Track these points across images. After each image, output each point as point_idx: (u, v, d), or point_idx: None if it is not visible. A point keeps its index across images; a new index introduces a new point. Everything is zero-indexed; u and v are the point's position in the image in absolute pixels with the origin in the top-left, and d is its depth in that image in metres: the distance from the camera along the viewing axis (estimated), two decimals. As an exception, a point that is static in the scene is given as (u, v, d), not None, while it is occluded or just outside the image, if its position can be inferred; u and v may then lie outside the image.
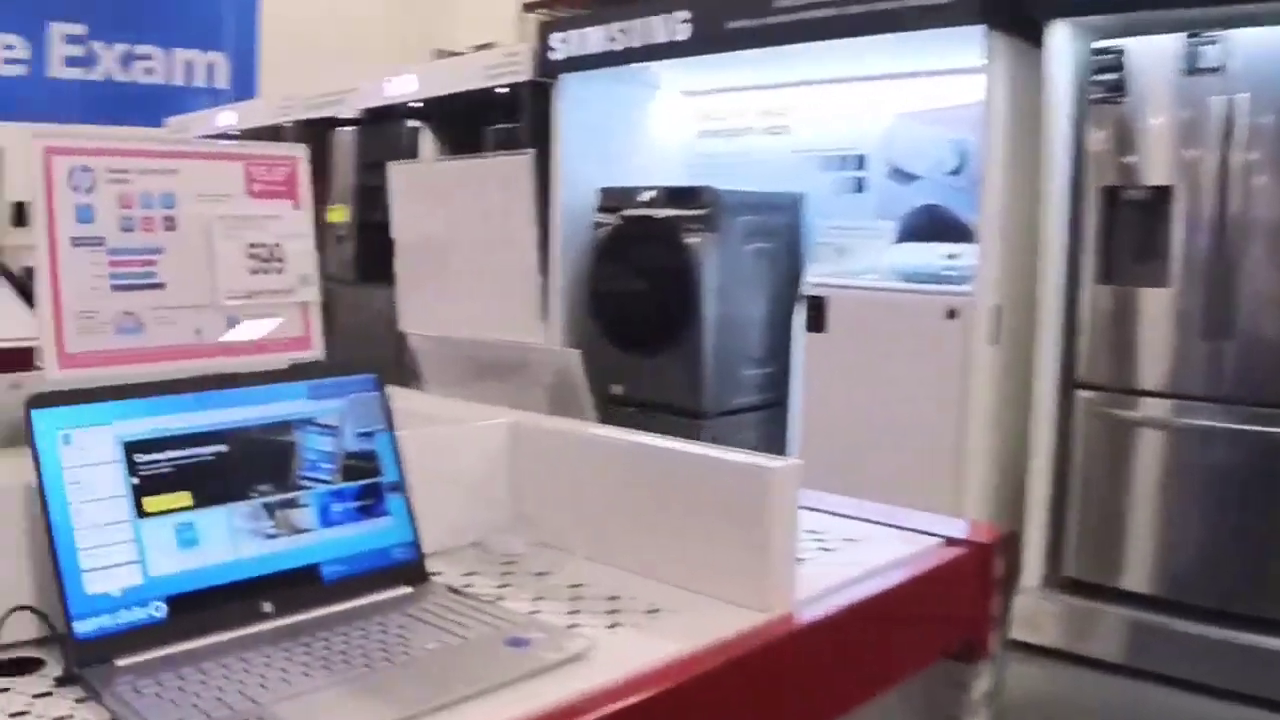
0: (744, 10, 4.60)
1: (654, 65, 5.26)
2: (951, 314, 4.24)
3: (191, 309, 1.44)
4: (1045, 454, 3.93)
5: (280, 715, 1.08)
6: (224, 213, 1.45)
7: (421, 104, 6.30)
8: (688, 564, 1.47)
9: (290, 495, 1.39)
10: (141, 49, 9.27)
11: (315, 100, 6.94)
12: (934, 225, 4.83)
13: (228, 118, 7.52)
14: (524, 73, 5.55)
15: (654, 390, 5.26)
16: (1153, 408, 3.76)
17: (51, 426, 1.25)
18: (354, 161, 6.73)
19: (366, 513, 1.44)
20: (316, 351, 1.54)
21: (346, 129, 6.79)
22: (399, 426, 1.50)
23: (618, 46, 5.11)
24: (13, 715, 1.12)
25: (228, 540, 1.33)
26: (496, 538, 1.65)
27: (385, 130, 6.60)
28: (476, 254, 1.81)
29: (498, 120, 5.88)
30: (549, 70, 5.44)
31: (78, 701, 1.15)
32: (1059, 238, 3.95)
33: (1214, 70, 3.55)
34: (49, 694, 1.16)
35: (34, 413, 1.24)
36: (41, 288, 1.34)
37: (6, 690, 1.17)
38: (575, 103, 5.47)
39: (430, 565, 1.55)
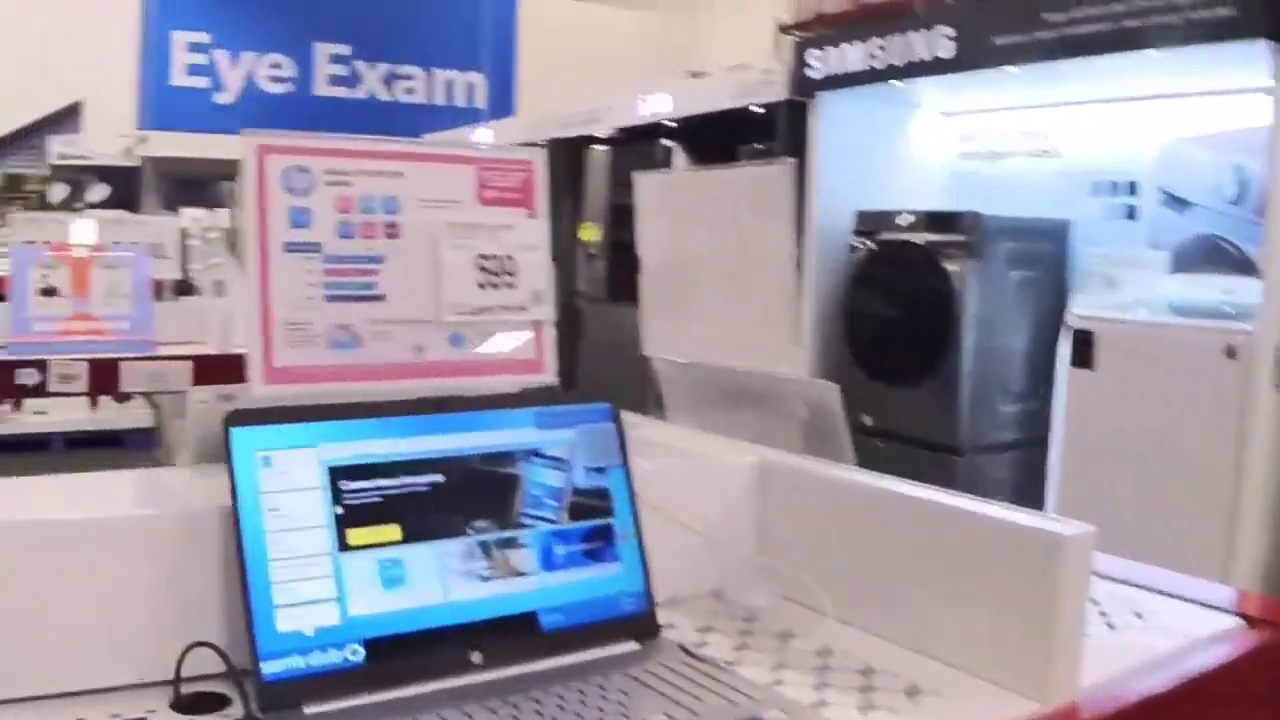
0: (1011, 26, 4.29)
1: (914, 84, 5.00)
2: (1230, 353, 3.82)
3: (412, 324, 1.30)
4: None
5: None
6: (452, 220, 1.31)
7: (675, 123, 6.22)
8: (955, 638, 1.26)
9: (510, 534, 1.23)
10: (404, 69, 9.60)
11: (570, 119, 6.97)
12: (1211, 256, 4.40)
13: (483, 135, 7.64)
14: (780, 91, 5.38)
15: (907, 422, 4.98)
16: None
17: (250, 446, 1.13)
18: (607, 179, 6.73)
19: (593, 557, 1.28)
20: (549, 376, 1.39)
21: (600, 147, 6.79)
22: (636, 457, 1.33)
23: (878, 64, 4.87)
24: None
25: (437, 581, 1.19)
26: (738, 588, 1.46)
27: (638, 149, 6.57)
28: (727, 273, 1.63)
29: (752, 139, 5.75)
30: (805, 88, 5.24)
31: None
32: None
33: None
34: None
35: (233, 430, 1.13)
36: (249, 295, 1.22)
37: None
38: (832, 122, 5.25)
39: (662, 615, 1.38)
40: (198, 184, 7.86)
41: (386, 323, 1.29)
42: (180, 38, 8.89)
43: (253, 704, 1.07)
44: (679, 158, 6.42)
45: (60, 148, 8.26)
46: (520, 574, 1.23)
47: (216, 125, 8.47)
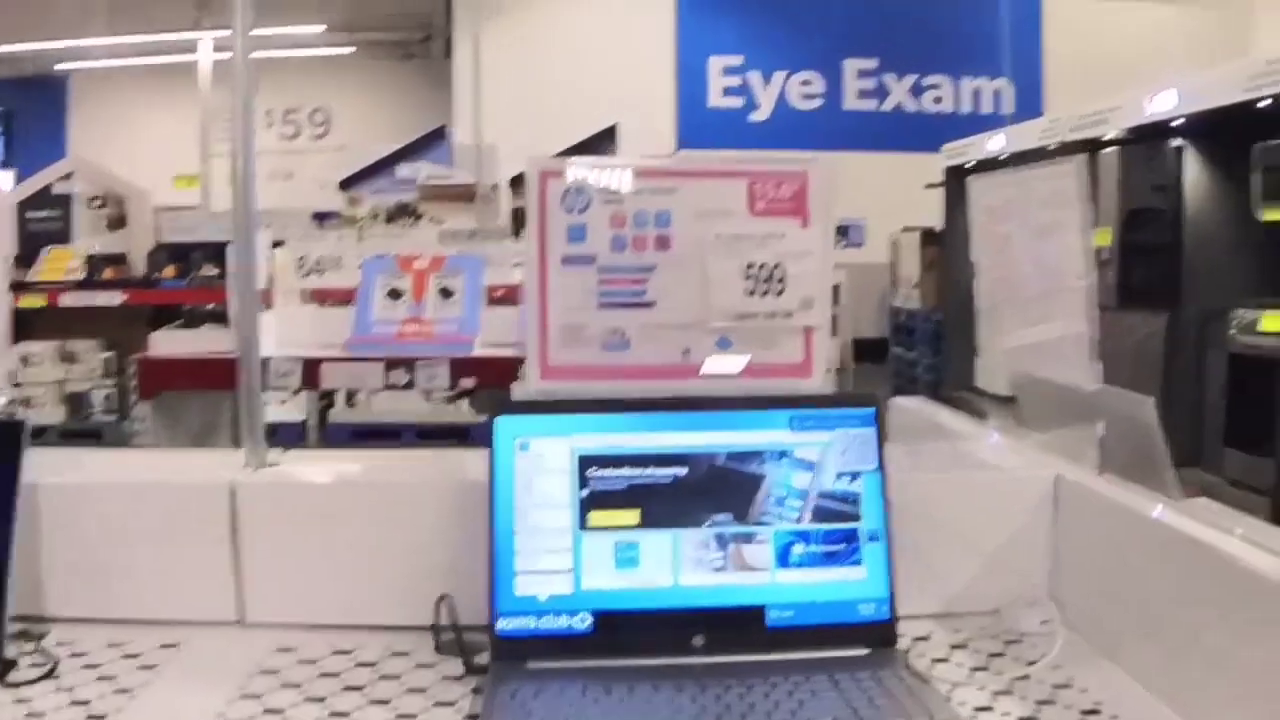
0: None
1: None
2: None
3: (680, 328, 1.41)
4: None
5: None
6: (721, 231, 1.40)
7: (1183, 120, 5.75)
8: (1198, 690, 1.15)
9: (748, 530, 1.31)
10: (930, 79, 9.60)
11: (1081, 120, 6.64)
12: None
13: (997, 142, 7.45)
14: (1295, 81, 4.81)
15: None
16: None
17: (511, 433, 1.30)
18: (1117, 183, 6.37)
19: (834, 560, 1.31)
20: (816, 381, 1.43)
21: (1110, 150, 6.44)
22: (940, 464, 1.33)
23: None
24: (410, 690, 1.22)
25: (670, 565, 1.29)
26: (1016, 610, 1.42)
27: (1148, 151, 6.16)
28: (1032, 278, 1.57)
29: (1265, 136, 5.19)
30: (1335, 76, 4.66)
31: (474, 692, 1.21)
32: None
33: None
34: (459, 678, 1.24)
35: (496, 420, 1.30)
36: (530, 302, 1.39)
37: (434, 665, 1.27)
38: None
39: (923, 627, 1.39)
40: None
41: (655, 327, 1.41)
42: (716, 62, 9.50)
43: (490, 654, 1.24)
44: (1190, 159, 5.95)
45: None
46: (754, 569, 1.30)
47: (751, 142, 8.99)
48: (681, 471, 1.31)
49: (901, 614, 1.32)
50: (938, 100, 9.71)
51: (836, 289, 7.78)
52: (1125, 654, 1.29)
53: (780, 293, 1.42)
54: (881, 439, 1.35)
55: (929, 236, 8.03)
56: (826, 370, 1.44)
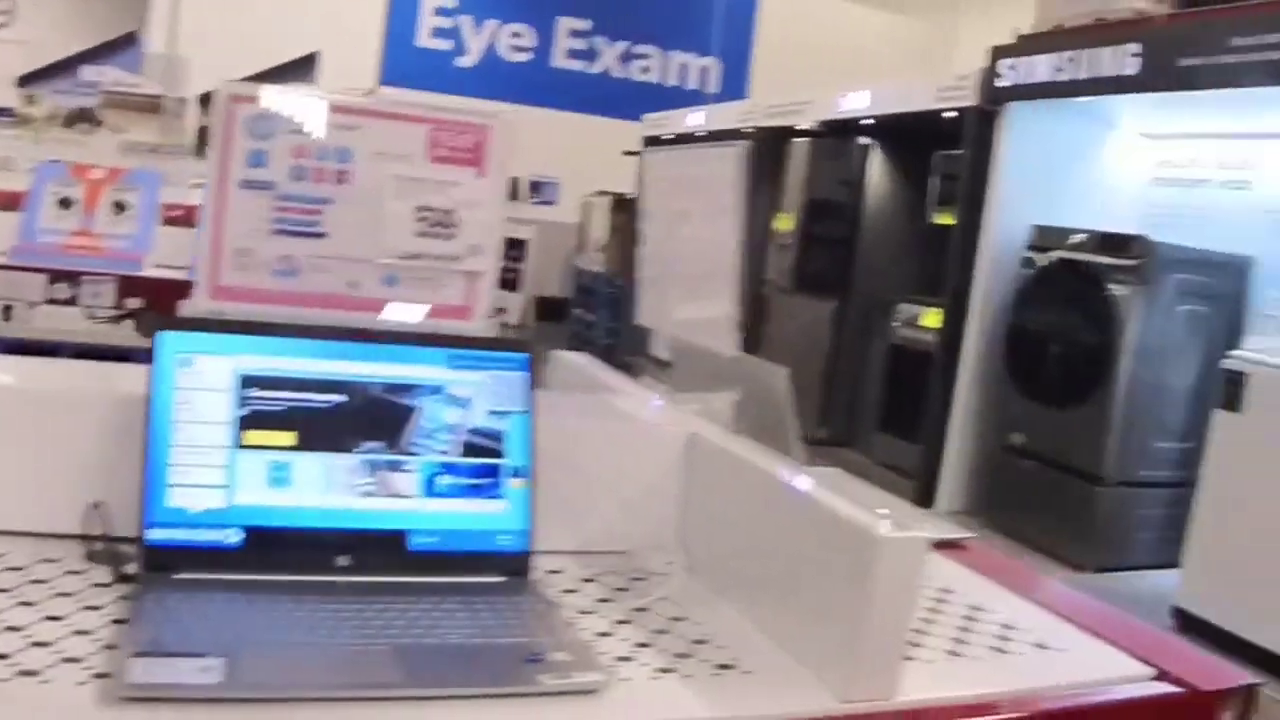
0: (1198, 48, 4.14)
1: (1110, 102, 4.87)
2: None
3: (351, 262, 1.47)
4: None
5: (244, 658, 1.08)
6: (399, 173, 1.47)
7: (873, 121, 6.21)
8: (790, 624, 1.31)
9: (397, 458, 1.38)
10: (641, 48, 9.88)
11: (777, 109, 7.03)
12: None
13: (696, 118, 7.79)
14: (970, 98, 5.32)
15: (1055, 446, 4.90)
16: None
17: (175, 348, 1.32)
18: (805, 173, 6.78)
19: (478, 492, 1.41)
20: (477, 323, 1.53)
21: (802, 140, 6.84)
22: (583, 415, 1.42)
23: (1064, 77, 4.78)
24: (58, 594, 1.23)
25: (321, 488, 1.35)
26: (646, 552, 1.56)
27: (838, 145, 6.59)
28: (690, 252, 1.72)
29: (946, 145, 5.70)
30: (996, 97, 5.18)
31: (123, 599, 1.22)
32: None
33: None
34: (108, 585, 1.26)
35: (160, 334, 1.32)
36: (205, 222, 1.42)
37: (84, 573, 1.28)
38: (1020, 133, 5.18)
39: (557, 562, 1.50)
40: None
41: (326, 258, 1.47)
42: (429, 1, 9.42)
43: (136, 563, 1.27)
44: (875, 158, 6.42)
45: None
46: (400, 495, 1.37)
47: (456, 88, 8.97)
48: (341, 399, 1.37)
49: (540, 549, 1.43)
50: (645, 70, 10.00)
51: (523, 244, 7.94)
52: (739, 595, 1.43)
53: (450, 238, 1.50)
54: (534, 385, 1.46)
55: (620, 203, 8.26)
56: (491, 317, 1.52)
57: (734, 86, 9.68)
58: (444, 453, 1.40)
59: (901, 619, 1.21)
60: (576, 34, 9.69)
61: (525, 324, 7.36)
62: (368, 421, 1.38)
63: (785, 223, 6.91)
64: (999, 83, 5.13)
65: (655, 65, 9.96)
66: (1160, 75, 4.37)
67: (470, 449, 1.41)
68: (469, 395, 1.42)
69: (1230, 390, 4.04)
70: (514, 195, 9.28)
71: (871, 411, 6.38)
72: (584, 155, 8.57)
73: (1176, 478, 4.72)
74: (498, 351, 1.45)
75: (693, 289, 1.74)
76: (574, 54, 9.72)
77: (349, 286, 1.47)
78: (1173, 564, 4.30)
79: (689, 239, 1.74)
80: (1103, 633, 1.48)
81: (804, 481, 1.37)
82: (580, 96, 9.47)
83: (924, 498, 5.29)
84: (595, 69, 9.80)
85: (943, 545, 1.77)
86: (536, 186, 8.72)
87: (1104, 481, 4.73)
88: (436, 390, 1.41)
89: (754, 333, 7.13)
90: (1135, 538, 4.79)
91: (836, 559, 1.23)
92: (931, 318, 5.75)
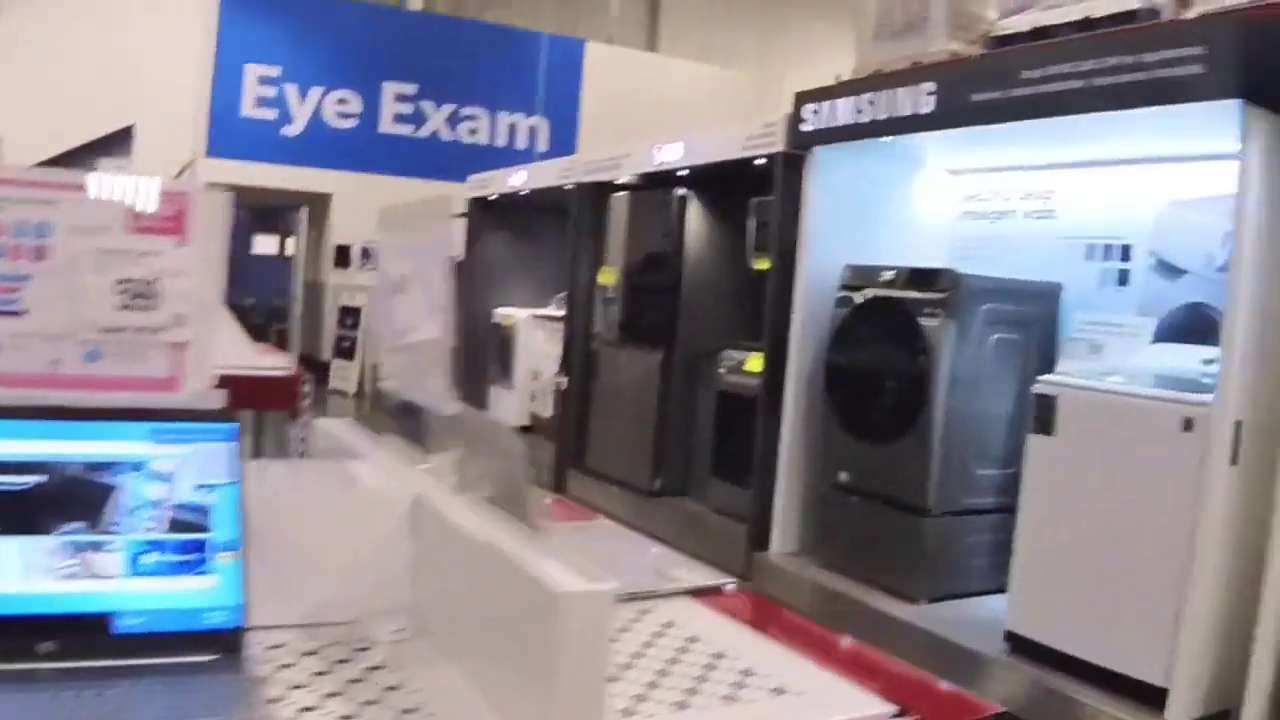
0: (989, 83, 4.31)
1: (916, 140, 5.01)
2: (1187, 425, 3.70)
3: (51, 339, 1.44)
4: (1276, 624, 3.34)
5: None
6: (98, 246, 1.45)
7: (688, 171, 6.31)
8: (502, 684, 1.31)
9: (99, 538, 1.35)
10: (468, 110, 9.94)
11: (595, 164, 7.10)
12: (1197, 326, 4.28)
13: (518, 178, 7.82)
14: (777, 144, 5.43)
15: (880, 480, 4.96)
16: None
17: None
18: (626, 226, 6.83)
19: (185, 569, 1.38)
20: (184, 395, 1.50)
21: (621, 194, 6.90)
22: (308, 483, 1.39)
23: (865, 118, 4.91)
24: None
25: (20, 572, 1.30)
26: (374, 620, 1.54)
27: (656, 197, 6.66)
28: (412, 308, 1.73)
29: (760, 192, 5.80)
30: (801, 142, 5.29)
31: None
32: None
33: None
34: None
35: None
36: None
37: None
38: (828, 175, 5.29)
39: (282, 636, 1.47)
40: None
41: (26, 336, 1.43)
42: (253, 70, 9.34)
43: None
44: (694, 207, 6.51)
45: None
46: (102, 577, 1.34)
47: (282, 156, 8.91)
48: (40, 479, 1.33)
49: (261, 623, 1.40)
50: (474, 131, 10.04)
51: (357, 311, 7.85)
52: (464, 657, 1.42)
53: (152, 309, 1.48)
54: (243, 455, 1.44)
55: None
56: (199, 386, 1.50)
57: (564, 144, 9.77)
58: (149, 530, 1.37)
59: (594, 673, 1.20)
60: (403, 98, 9.70)
61: (363, 391, 7.24)
62: (68, 501, 1.34)
63: (609, 276, 6.94)
64: (804, 127, 5.25)
65: (483, 126, 10.02)
66: (955, 111, 4.51)
67: (176, 525, 1.38)
68: (172, 469, 1.39)
69: (1042, 414, 4.15)
70: (345, 263, 9.20)
71: (704, 459, 6.41)
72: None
73: (1001, 504, 4.78)
74: (203, 423, 1.43)
75: (412, 350, 1.73)
76: (401, 118, 9.73)
77: (51, 365, 1.44)
78: (1003, 589, 4.35)
79: (406, 303, 1.75)
80: (854, 673, 1.50)
81: (504, 538, 1.36)
82: (409, 161, 9.46)
83: (759, 541, 5.32)
84: (423, 133, 9.82)
85: (702, 592, 1.79)
86: (368, 253, 8.64)
87: (929, 512, 4.78)
88: (138, 466, 1.38)
89: (584, 387, 7.15)
90: (965, 565, 4.85)
91: (530, 616, 1.23)
92: (754, 362, 5.82)
